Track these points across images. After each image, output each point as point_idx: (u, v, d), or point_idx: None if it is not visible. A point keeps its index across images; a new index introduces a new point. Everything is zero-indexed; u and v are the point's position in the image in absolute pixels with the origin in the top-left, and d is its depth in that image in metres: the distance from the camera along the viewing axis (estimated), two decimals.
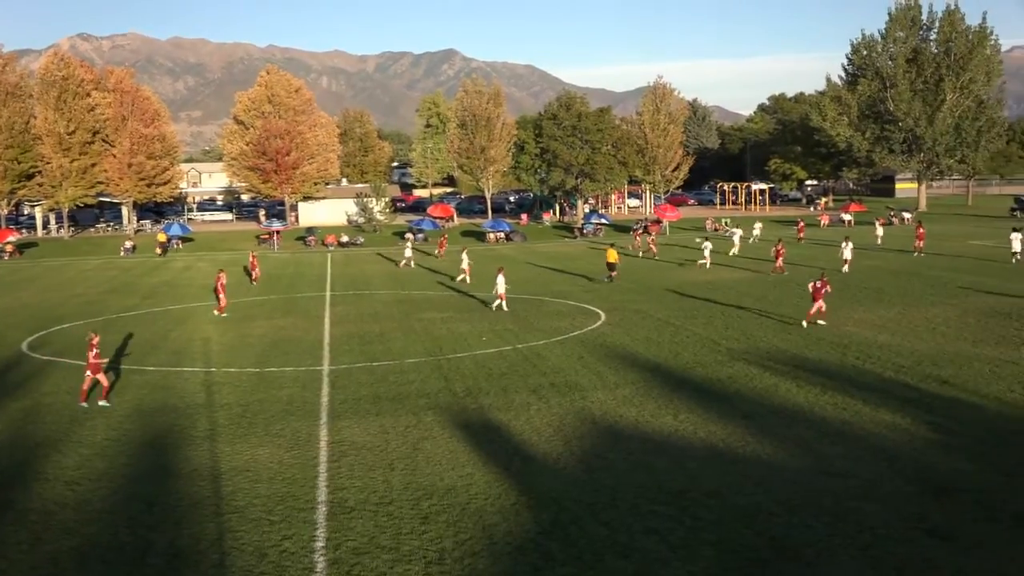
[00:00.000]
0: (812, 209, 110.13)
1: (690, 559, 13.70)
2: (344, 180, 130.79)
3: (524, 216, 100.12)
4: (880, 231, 65.53)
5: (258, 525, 15.53)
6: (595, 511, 15.66)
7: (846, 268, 48.07)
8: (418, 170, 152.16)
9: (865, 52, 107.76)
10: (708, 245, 55.19)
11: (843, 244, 50.53)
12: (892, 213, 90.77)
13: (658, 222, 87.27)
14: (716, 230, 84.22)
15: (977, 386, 23.23)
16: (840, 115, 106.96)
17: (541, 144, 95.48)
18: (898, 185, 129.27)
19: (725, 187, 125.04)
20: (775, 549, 13.98)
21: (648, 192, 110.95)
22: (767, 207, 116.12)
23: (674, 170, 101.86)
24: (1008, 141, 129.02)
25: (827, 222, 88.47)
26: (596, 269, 53.61)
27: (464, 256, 50.37)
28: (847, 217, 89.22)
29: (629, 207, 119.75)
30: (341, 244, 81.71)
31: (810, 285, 33.52)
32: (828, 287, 33.10)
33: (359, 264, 64.26)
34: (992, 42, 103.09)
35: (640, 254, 62.29)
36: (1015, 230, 52.48)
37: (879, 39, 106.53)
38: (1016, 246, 50.80)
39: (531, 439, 20.07)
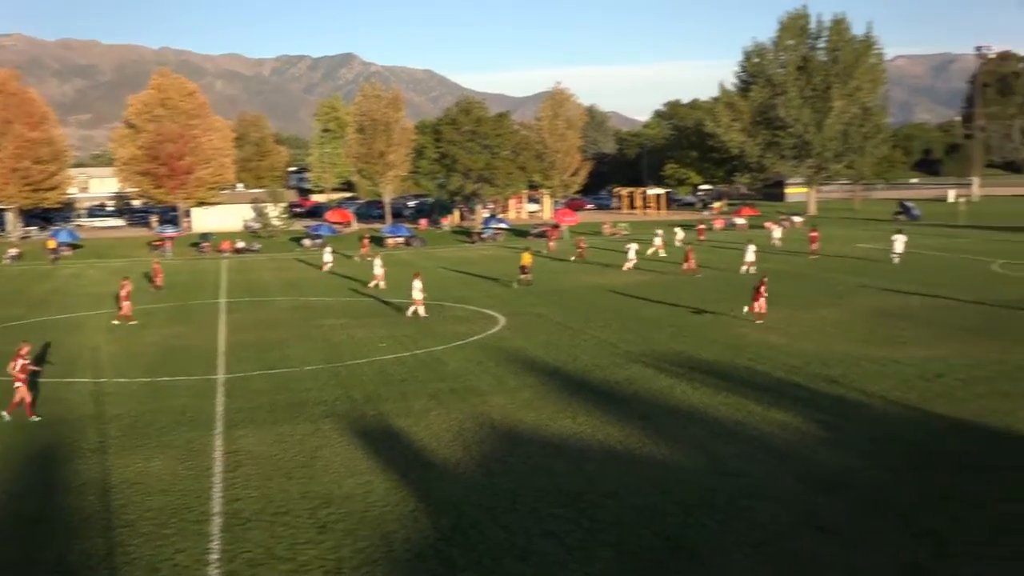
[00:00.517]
0: (706, 213, 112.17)
1: (587, 561, 13.83)
2: (240, 185, 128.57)
3: (423, 221, 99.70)
4: (778, 233, 67.22)
5: (150, 539, 15.17)
6: (495, 515, 15.70)
7: (744, 269, 49.40)
8: (316, 175, 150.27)
9: (757, 60, 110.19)
10: (633, 246, 55.90)
11: (747, 246, 51.92)
12: (783, 217, 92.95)
13: (557, 227, 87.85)
14: (613, 235, 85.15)
15: (864, 385, 23.97)
16: (733, 121, 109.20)
17: (440, 149, 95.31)
18: (788, 189, 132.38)
19: (622, 192, 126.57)
20: (671, 548, 14.20)
21: (547, 197, 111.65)
22: (663, 211, 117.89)
23: (572, 175, 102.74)
24: (892, 147, 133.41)
25: (721, 226, 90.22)
26: (497, 273, 53.76)
27: (377, 262, 49.88)
28: (740, 221, 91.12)
29: (528, 212, 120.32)
30: (237, 250, 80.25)
31: (754, 286, 35.17)
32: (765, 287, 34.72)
33: (256, 271, 63.23)
34: (877, 51, 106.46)
35: (572, 258, 62.16)
36: (898, 232, 54.88)
37: (770, 47, 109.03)
38: (899, 247, 52.94)
39: (430, 445, 20.02)
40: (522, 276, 48.48)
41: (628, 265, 53.82)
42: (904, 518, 15.03)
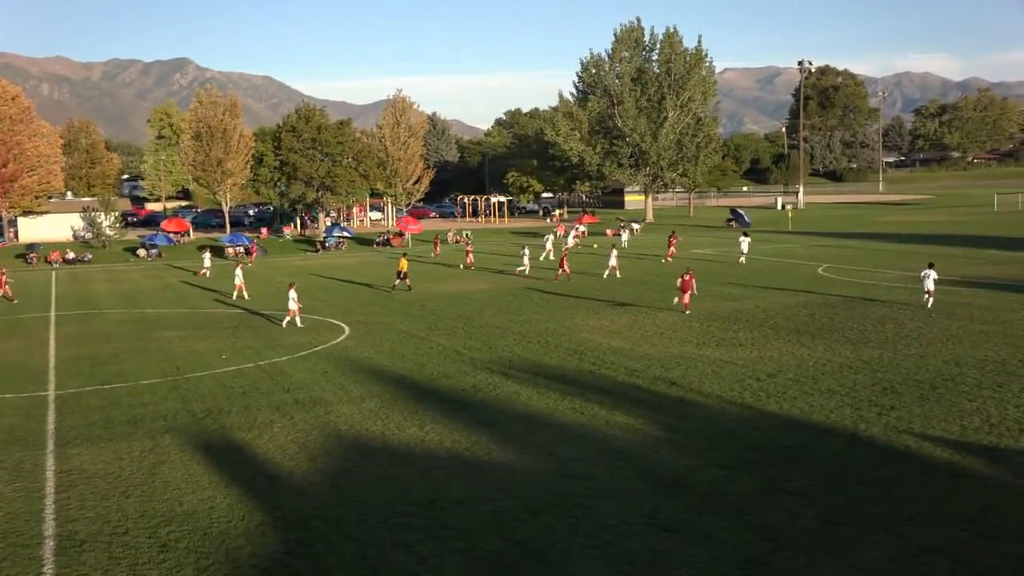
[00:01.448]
0: (548, 221, 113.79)
1: (438, 569, 13.85)
2: (69, 194, 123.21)
3: (264, 230, 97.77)
4: (625, 236, 68.95)
5: None
6: (343, 527, 15.54)
7: (606, 274, 50.83)
8: (151, 183, 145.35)
9: (594, 71, 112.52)
10: (527, 251, 56.31)
11: (610, 252, 53.64)
12: (623, 224, 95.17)
13: (400, 235, 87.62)
14: (458, 242, 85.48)
15: (701, 386, 24.80)
16: (572, 130, 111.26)
17: (280, 157, 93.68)
18: (627, 197, 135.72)
19: (466, 199, 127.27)
20: (520, 552, 14.36)
21: (390, 205, 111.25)
22: (506, 219, 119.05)
23: (415, 183, 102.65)
24: (723, 156, 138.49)
25: (563, 233, 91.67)
26: (341, 281, 53.26)
27: (238, 272, 48.48)
28: (581, 228, 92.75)
29: (371, 220, 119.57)
30: (67, 261, 76.94)
31: (678, 280, 38.35)
32: (694, 279, 38.74)
33: (88, 282, 60.74)
34: (707, 63, 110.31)
35: (461, 266, 61.69)
36: (744, 235, 59.54)
37: (606, 59, 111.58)
38: (744, 248, 57.08)
39: (275, 457, 19.67)
40: (398, 282, 48.61)
41: (521, 269, 54.68)
42: (741, 514, 15.61)
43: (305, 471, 18.73)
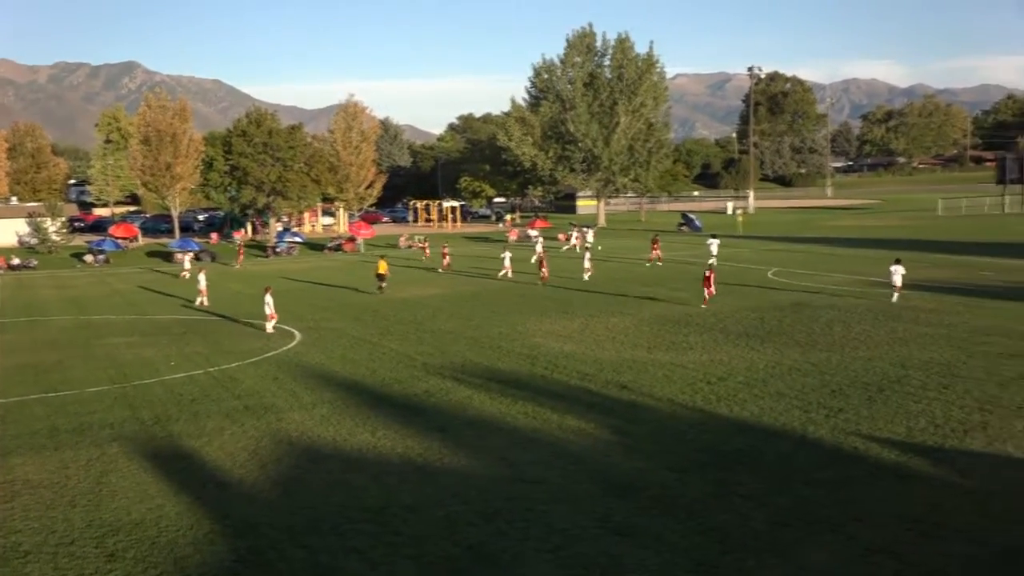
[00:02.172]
0: (500, 225, 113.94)
1: (391, 575, 13.79)
2: (14, 199, 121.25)
3: (214, 235, 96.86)
4: (575, 242, 69.43)
5: None
6: (294, 534, 15.43)
7: (587, 276, 51.55)
8: (98, 188, 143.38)
9: (546, 76, 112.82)
10: (508, 255, 56.72)
11: (585, 255, 54.84)
12: (575, 228, 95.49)
13: (352, 239, 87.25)
14: (410, 247, 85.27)
15: (652, 389, 24.94)
16: (525, 135, 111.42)
17: (231, 161, 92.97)
18: (579, 202, 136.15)
19: (418, 204, 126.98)
20: (473, 557, 14.35)
21: (342, 210, 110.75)
22: (459, 224, 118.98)
23: (367, 188, 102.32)
24: (675, 161, 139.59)
25: (515, 237, 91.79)
26: (295, 287, 52.91)
27: (201, 277, 47.92)
28: (533, 233, 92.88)
29: (323, 225, 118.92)
30: (12, 267, 75.71)
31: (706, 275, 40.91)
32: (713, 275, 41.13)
33: (33, 288, 59.81)
34: (658, 69, 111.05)
35: (440, 269, 61.52)
36: (713, 236, 62.52)
37: (558, 64, 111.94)
38: (714, 250, 59.16)
39: (225, 465, 19.47)
40: (384, 284, 49.18)
41: (503, 273, 55.04)
42: (692, 516, 15.72)
43: (255, 478, 18.57)
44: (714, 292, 40.46)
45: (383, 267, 49.83)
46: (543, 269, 51.71)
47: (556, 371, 27.75)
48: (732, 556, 14.08)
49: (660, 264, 59.14)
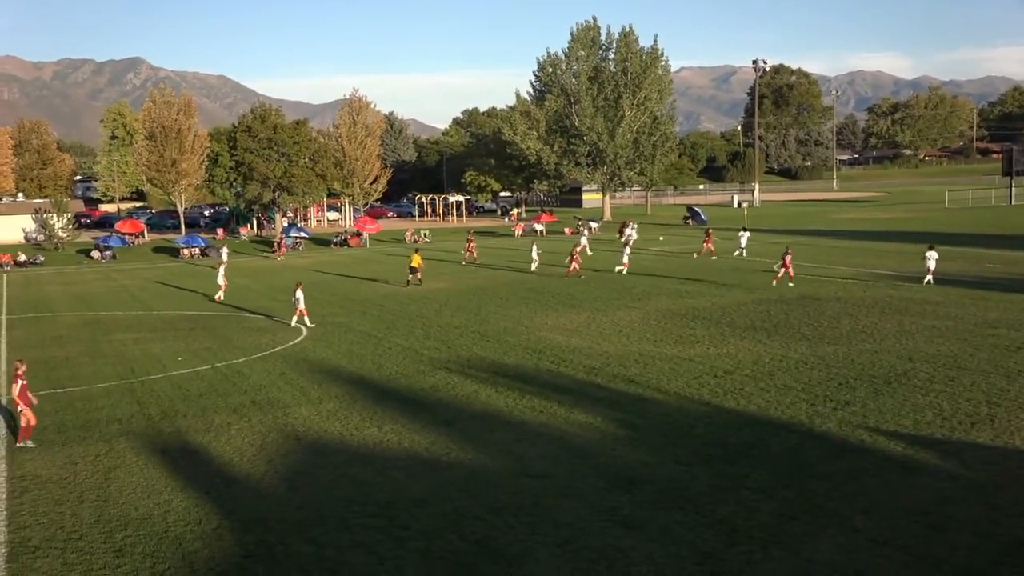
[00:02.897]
0: (506, 220, 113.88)
1: (398, 570, 13.82)
2: (20, 195, 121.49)
3: (220, 231, 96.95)
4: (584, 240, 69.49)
5: None
6: (301, 529, 15.47)
7: (619, 269, 51.58)
8: (104, 184, 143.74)
9: (551, 70, 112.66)
10: (536, 248, 56.80)
11: (624, 251, 55.17)
12: (580, 222, 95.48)
13: (358, 235, 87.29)
14: (416, 241, 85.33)
15: (659, 383, 24.95)
16: (530, 129, 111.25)
17: (236, 157, 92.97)
18: (585, 196, 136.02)
19: (423, 199, 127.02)
20: (480, 551, 14.37)
21: (347, 205, 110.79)
22: (464, 218, 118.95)
23: (372, 182, 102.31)
24: (680, 155, 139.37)
25: (521, 232, 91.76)
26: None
27: (220, 272, 48.10)
28: (539, 227, 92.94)
29: (329, 220, 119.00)
30: (18, 264, 75.83)
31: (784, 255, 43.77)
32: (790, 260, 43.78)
33: (40, 284, 59.91)
34: (663, 62, 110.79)
35: (463, 261, 61.71)
36: (743, 230, 61.11)
37: (563, 57, 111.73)
38: (743, 242, 58.98)
39: (233, 460, 19.52)
40: (411, 276, 49.38)
41: (534, 265, 55.21)
42: (699, 509, 15.73)
43: (263, 473, 18.62)
44: (792, 275, 43.48)
45: (417, 260, 50.16)
46: (574, 263, 51.28)
47: (563, 365, 27.76)
48: (739, 549, 14.08)
49: (714, 258, 57.56)
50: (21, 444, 20.99)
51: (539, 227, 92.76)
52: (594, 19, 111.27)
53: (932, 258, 41.73)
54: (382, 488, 17.35)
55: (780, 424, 20.65)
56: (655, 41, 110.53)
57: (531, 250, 56.73)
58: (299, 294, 37.21)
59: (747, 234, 59.86)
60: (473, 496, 16.72)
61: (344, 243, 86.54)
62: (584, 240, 64.76)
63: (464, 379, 26.31)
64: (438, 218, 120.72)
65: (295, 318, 37.12)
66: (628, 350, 29.67)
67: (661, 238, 60.90)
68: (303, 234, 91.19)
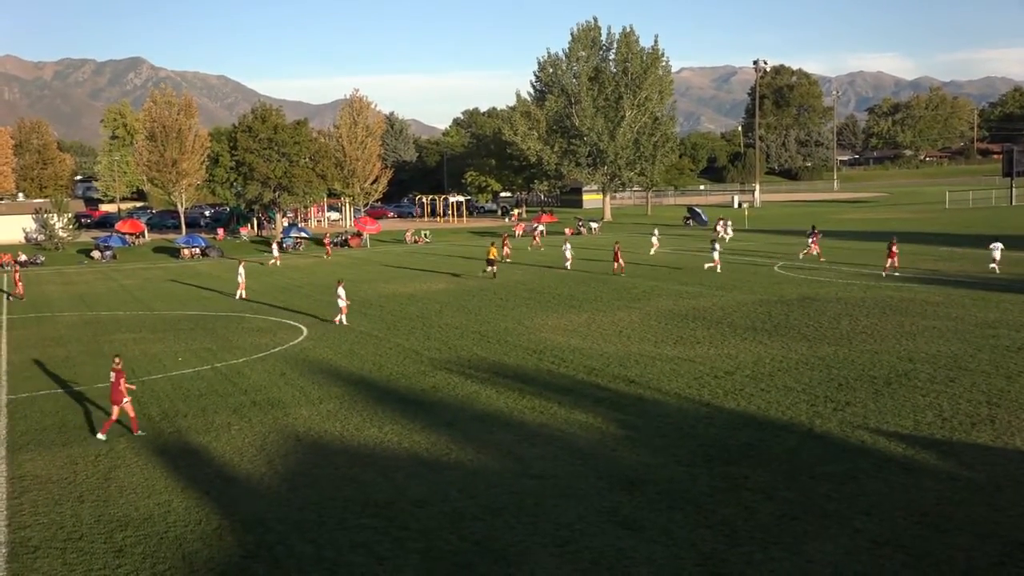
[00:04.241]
0: (507, 220, 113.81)
1: (397, 570, 13.82)
2: (21, 195, 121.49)
3: (221, 231, 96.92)
4: (728, 231, 70.44)
5: None
6: (301, 529, 15.47)
7: (716, 267, 51.16)
8: (104, 184, 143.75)
9: (551, 70, 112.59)
10: (569, 246, 57.25)
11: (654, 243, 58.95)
12: (581, 223, 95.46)
13: (359, 235, 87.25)
14: (416, 242, 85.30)
15: (660, 384, 24.94)
16: (530, 130, 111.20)
17: (236, 157, 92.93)
18: (585, 196, 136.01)
19: (424, 199, 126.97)
20: (480, 552, 14.37)
21: (348, 205, 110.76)
22: (464, 219, 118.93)
23: (373, 183, 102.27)
24: (680, 155, 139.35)
25: (521, 232, 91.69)
26: (297, 284, 53.00)
27: (241, 270, 48.17)
28: (539, 227, 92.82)
29: (329, 220, 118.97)
30: (19, 263, 75.80)
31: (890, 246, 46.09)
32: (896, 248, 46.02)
33: (41, 284, 59.89)
34: (664, 63, 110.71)
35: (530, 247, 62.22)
36: (813, 230, 59.07)
37: (563, 58, 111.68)
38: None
39: (233, 460, 19.52)
40: (488, 268, 51.41)
41: (567, 262, 55.79)
42: (699, 510, 15.73)
43: (263, 473, 18.62)
44: (897, 265, 45.82)
45: (494, 252, 52.23)
46: (618, 261, 51.64)
47: (563, 366, 27.75)
48: (740, 549, 14.08)
49: (823, 260, 53.66)
50: (103, 436, 21.55)
51: (540, 227, 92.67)
52: (595, 19, 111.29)
53: (998, 248, 45.77)
54: (382, 488, 17.34)
55: (780, 425, 20.65)
56: (656, 42, 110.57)
57: (564, 250, 57.05)
58: (341, 291, 37.29)
59: (819, 234, 57.31)
60: (473, 496, 16.72)
61: (344, 243, 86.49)
62: (655, 240, 63.93)
63: (464, 380, 26.31)
64: (438, 218, 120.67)
65: (339, 316, 37.24)
66: (628, 351, 29.67)
67: (652, 252, 60.90)
68: (303, 234, 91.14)
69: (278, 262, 67.05)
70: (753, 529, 14.81)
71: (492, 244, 54.89)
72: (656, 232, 64.60)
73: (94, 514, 16.54)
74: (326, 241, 79.97)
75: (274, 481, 18.13)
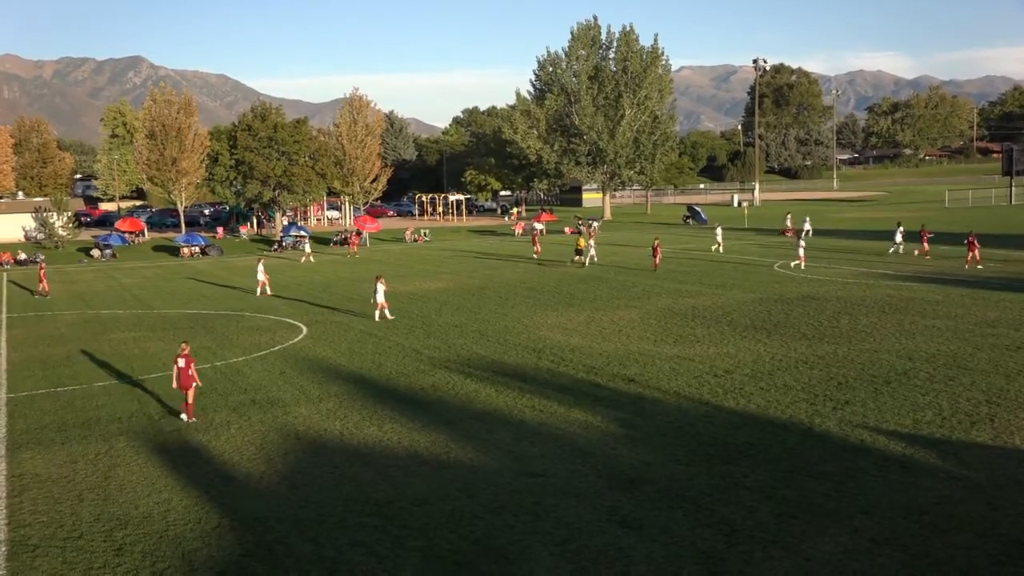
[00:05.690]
0: (506, 219, 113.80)
1: (396, 569, 13.81)
2: (20, 193, 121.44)
3: (220, 229, 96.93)
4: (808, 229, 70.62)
5: None
6: (301, 528, 15.47)
7: (576, 260, 54.08)
8: (104, 182, 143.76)
9: (551, 68, 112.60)
10: (592, 243, 58.09)
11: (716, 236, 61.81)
12: (580, 221, 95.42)
13: (359, 234, 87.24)
14: (415, 241, 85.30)
15: (659, 382, 24.94)
16: (530, 128, 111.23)
17: (236, 155, 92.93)
18: (585, 195, 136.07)
19: (423, 198, 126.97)
20: (480, 551, 14.36)
21: (347, 204, 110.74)
22: (464, 217, 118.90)
23: (372, 181, 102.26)
24: (680, 154, 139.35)
25: (521, 231, 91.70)
26: (296, 282, 53.00)
27: (260, 267, 48.24)
28: (539, 226, 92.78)
29: (329, 219, 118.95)
30: (18, 262, 75.81)
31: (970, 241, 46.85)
32: (976, 242, 47.06)
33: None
34: (663, 62, 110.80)
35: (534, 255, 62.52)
36: (899, 226, 58.93)
37: (563, 57, 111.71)
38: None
39: (232, 459, 19.52)
40: (576, 258, 54.46)
41: (583, 258, 56.70)
42: (699, 509, 15.73)
43: (262, 472, 18.61)
44: (979, 258, 46.60)
45: (583, 243, 55.49)
46: (656, 256, 52.73)
47: (562, 364, 27.75)
48: (739, 548, 14.08)
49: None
50: (191, 420, 22.64)
51: (539, 226, 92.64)
52: (594, 18, 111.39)
53: (900, 232, 48.48)
54: (382, 487, 17.34)
55: (780, 424, 20.65)
56: (655, 40, 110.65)
57: (588, 247, 57.69)
58: (379, 286, 37.37)
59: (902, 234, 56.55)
60: (473, 495, 16.72)
61: (344, 242, 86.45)
62: (719, 235, 63.88)
63: (464, 378, 26.31)
64: (438, 217, 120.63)
65: (377, 312, 37.30)
66: (628, 349, 29.66)
67: (719, 250, 61.20)
68: (303, 232, 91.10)
69: (311, 258, 68.39)
70: (752, 528, 14.81)
71: (580, 235, 58.41)
72: (719, 229, 64.86)
73: (94, 512, 16.54)
74: (354, 238, 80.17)
75: (273, 480, 18.12)
